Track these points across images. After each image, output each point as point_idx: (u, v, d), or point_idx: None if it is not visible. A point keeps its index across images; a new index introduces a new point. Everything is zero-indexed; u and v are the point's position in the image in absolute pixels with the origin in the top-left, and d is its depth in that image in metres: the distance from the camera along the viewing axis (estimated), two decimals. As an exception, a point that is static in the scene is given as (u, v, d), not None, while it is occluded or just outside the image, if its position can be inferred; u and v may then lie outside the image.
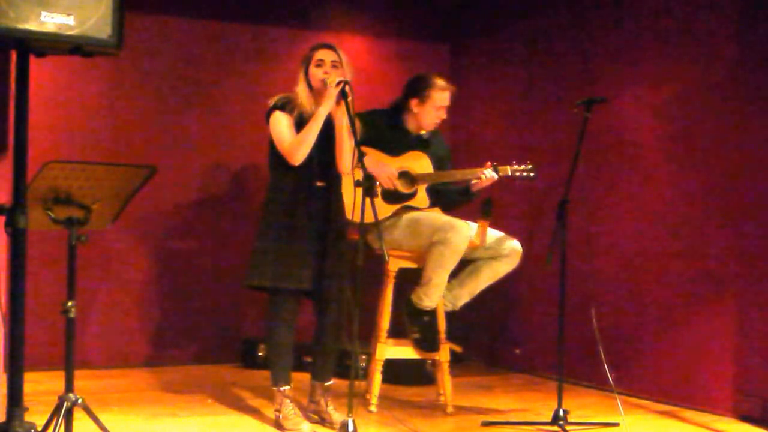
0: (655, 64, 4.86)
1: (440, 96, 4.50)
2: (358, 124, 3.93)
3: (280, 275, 3.91)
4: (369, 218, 3.66)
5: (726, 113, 4.47)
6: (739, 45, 4.43)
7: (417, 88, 4.52)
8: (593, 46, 5.25)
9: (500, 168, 4.45)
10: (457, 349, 4.67)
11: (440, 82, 4.51)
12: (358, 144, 3.74)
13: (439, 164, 4.59)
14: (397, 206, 4.46)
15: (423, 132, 4.60)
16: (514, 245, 4.44)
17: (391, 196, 4.46)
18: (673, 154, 4.76)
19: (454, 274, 4.44)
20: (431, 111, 4.51)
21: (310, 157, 3.93)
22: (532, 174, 4.46)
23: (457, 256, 4.26)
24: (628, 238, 4.99)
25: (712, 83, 4.55)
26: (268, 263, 3.94)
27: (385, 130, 4.53)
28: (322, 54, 3.99)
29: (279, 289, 3.95)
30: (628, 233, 4.99)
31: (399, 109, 4.59)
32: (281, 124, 3.96)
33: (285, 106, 3.98)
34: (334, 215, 4.04)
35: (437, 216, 4.41)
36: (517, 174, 4.46)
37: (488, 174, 4.42)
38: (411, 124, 4.58)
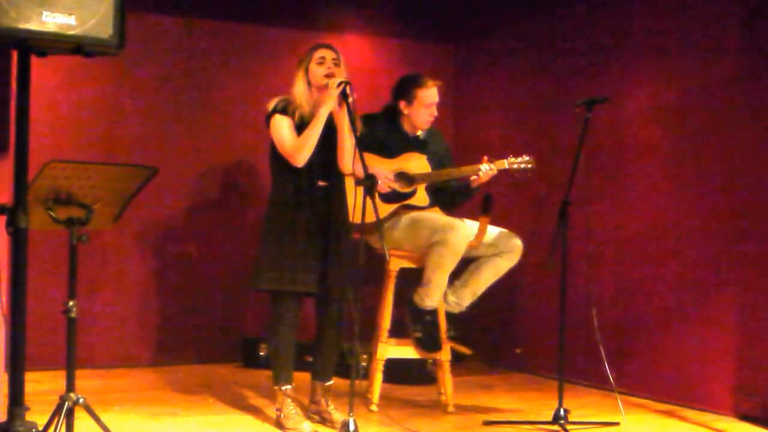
0: (656, 64, 4.86)
1: (426, 94, 4.48)
2: (359, 124, 3.95)
3: (284, 278, 3.92)
4: (370, 218, 3.66)
5: (727, 114, 4.48)
6: (741, 46, 4.43)
7: (403, 90, 4.52)
8: (595, 46, 5.25)
9: (497, 162, 4.42)
10: (467, 351, 4.64)
11: (425, 80, 4.50)
12: (359, 145, 3.74)
13: (439, 163, 4.58)
14: (396, 205, 4.46)
15: (419, 133, 4.59)
16: (515, 241, 4.43)
17: (389, 196, 4.46)
18: (674, 154, 4.77)
19: (456, 275, 4.44)
20: (421, 110, 4.50)
21: (312, 158, 3.93)
22: (530, 165, 4.40)
23: (456, 256, 4.26)
24: (629, 238, 4.99)
25: (714, 83, 4.55)
26: (272, 266, 3.94)
27: (380, 133, 4.52)
28: (323, 52, 4.00)
29: (283, 292, 3.95)
30: (628, 233, 4.99)
31: (392, 111, 4.58)
32: (282, 127, 3.96)
33: (285, 108, 3.98)
34: (337, 215, 4.05)
35: (436, 217, 4.40)
36: (515, 167, 4.42)
37: (485, 169, 4.39)
38: (406, 126, 4.57)
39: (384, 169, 4.43)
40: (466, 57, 6.32)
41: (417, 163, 4.52)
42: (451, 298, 4.50)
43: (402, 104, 4.52)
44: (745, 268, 4.38)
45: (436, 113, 4.56)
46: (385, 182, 4.42)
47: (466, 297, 4.51)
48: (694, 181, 4.65)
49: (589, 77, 5.25)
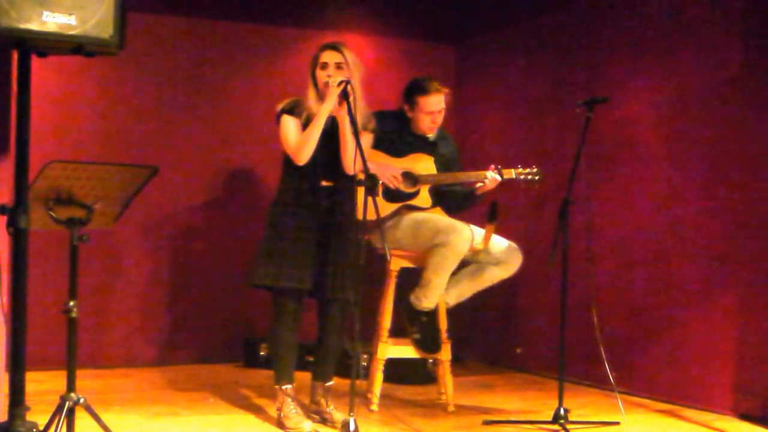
0: (657, 63, 4.86)
1: (427, 102, 4.44)
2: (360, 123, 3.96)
3: (282, 275, 3.93)
4: (372, 217, 3.66)
5: (727, 112, 4.48)
6: (741, 45, 4.43)
7: (407, 94, 4.51)
8: (596, 46, 5.25)
9: (504, 171, 4.41)
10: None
11: (429, 86, 4.43)
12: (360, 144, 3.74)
13: (446, 166, 4.57)
14: (398, 205, 4.46)
15: (430, 135, 4.58)
16: (516, 255, 4.43)
17: (392, 195, 4.46)
18: (675, 154, 4.76)
19: (453, 274, 4.44)
20: (421, 116, 4.48)
21: (315, 158, 3.95)
22: (537, 177, 4.42)
23: (457, 258, 4.26)
24: (630, 237, 4.99)
25: (714, 82, 4.55)
26: (271, 263, 3.95)
27: (390, 131, 4.51)
28: (326, 56, 4.01)
29: (281, 288, 3.96)
30: (629, 232, 5.00)
31: (403, 112, 4.58)
32: (288, 127, 4.00)
33: (293, 109, 4.02)
34: (340, 215, 4.05)
35: (439, 218, 4.40)
36: (522, 177, 4.42)
37: (491, 176, 4.38)
38: (414, 128, 4.56)
39: (391, 167, 4.44)
40: (467, 56, 6.32)
41: (424, 165, 4.51)
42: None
43: (406, 108, 4.52)
44: (745, 268, 4.38)
45: (438, 121, 4.52)
46: (393, 180, 4.41)
47: (452, 296, 4.50)
48: (695, 180, 4.65)
49: (590, 77, 5.25)
